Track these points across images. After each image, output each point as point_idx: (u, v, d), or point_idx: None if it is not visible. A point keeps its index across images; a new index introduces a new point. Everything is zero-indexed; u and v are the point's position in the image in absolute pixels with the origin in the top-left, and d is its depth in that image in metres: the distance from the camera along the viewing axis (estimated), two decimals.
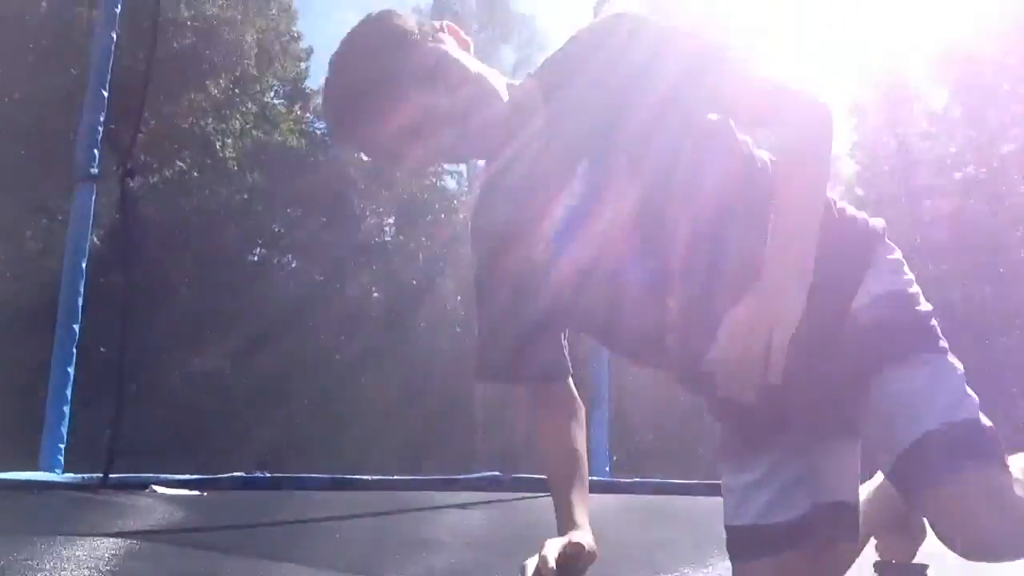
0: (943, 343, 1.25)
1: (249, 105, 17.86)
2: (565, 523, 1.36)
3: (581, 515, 1.37)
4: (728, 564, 1.36)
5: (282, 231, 17.50)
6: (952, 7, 15.85)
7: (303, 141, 18.58)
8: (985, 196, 15.50)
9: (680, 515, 2.88)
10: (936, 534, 1.18)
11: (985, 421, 1.18)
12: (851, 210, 1.34)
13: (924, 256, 13.54)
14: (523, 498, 3.08)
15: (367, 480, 3.23)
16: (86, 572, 1.40)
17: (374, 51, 1.26)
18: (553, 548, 1.25)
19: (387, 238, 18.64)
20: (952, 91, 16.62)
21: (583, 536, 1.31)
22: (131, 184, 3.97)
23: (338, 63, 1.29)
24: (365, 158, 1.38)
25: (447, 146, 1.26)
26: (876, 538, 1.71)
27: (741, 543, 1.35)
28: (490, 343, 1.42)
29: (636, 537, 2.27)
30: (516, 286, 1.33)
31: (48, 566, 1.42)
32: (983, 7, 14.69)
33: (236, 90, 17.21)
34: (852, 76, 17.99)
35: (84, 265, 3.77)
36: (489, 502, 2.87)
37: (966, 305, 13.31)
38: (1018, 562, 1.14)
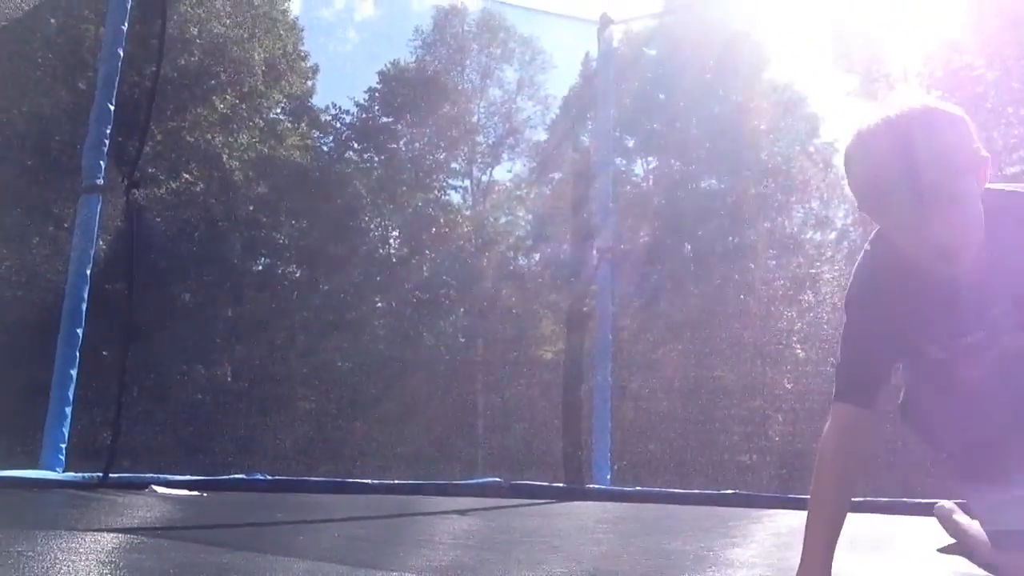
0: None
1: (256, 120, 17.97)
2: (811, 561, 1.58)
3: (828, 554, 1.58)
4: (727, 569, 1.36)
5: (287, 242, 17.56)
6: (957, 31, 15.91)
7: (309, 156, 18.69)
8: None
9: (681, 524, 2.88)
10: None
11: None
12: None
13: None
14: (523, 504, 3.08)
15: (369, 484, 3.23)
16: (87, 564, 1.40)
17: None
18: None
19: (392, 251, 18.68)
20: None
21: None
22: (136, 195, 4.01)
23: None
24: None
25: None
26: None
27: None
28: (850, 370, 1.72)
29: (638, 544, 2.26)
30: (889, 340, 1.71)
31: (49, 558, 1.42)
32: (987, 29, 14.75)
33: (243, 106, 17.32)
34: (857, 95, 18.01)
35: (89, 272, 3.81)
36: (490, 508, 2.87)
37: None
38: None
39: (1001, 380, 1.69)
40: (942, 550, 1.99)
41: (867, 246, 1.76)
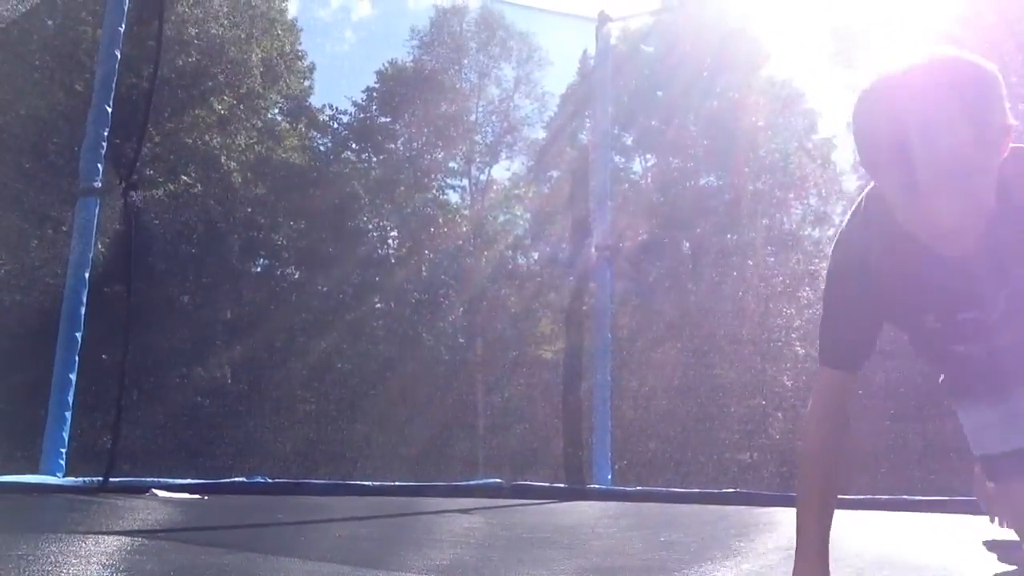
0: None
1: (253, 121, 17.96)
2: (805, 551, 1.55)
3: (823, 545, 1.54)
4: (728, 568, 1.36)
5: (285, 243, 17.55)
6: (954, 26, 15.91)
7: (306, 156, 18.68)
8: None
9: (682, 522, 2.88)
10: None
11: None
12: None
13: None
14: (524, 504, 3.08)
15: (370, 486, 3.23)
16: (88, 568, 1.40)
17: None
18: None
19: (391, 251, 18.67)
20: None
21: None
22: (134, 197, 4.01)
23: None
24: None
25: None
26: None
27: (1013, 465, 1.71)
28: (837, 336, 1.63)
29: (639, 543, 2.26)
30: (877, 312, 1.62)
31: (50, 562, 1.42)
32: (985, 26, 14.76)
33: (241, 107, 17.31)
34: (855, 91, 18.02)
35: (87, 275, 3.80)
36: (491, 508, 2.87)
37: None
38: None
39: (988, 362, 1.65)
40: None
41: (861, 203, 1.60)
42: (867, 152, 1.42)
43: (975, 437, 1.81)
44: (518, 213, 20.55)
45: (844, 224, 1.63)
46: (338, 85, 21.93)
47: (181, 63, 15.82)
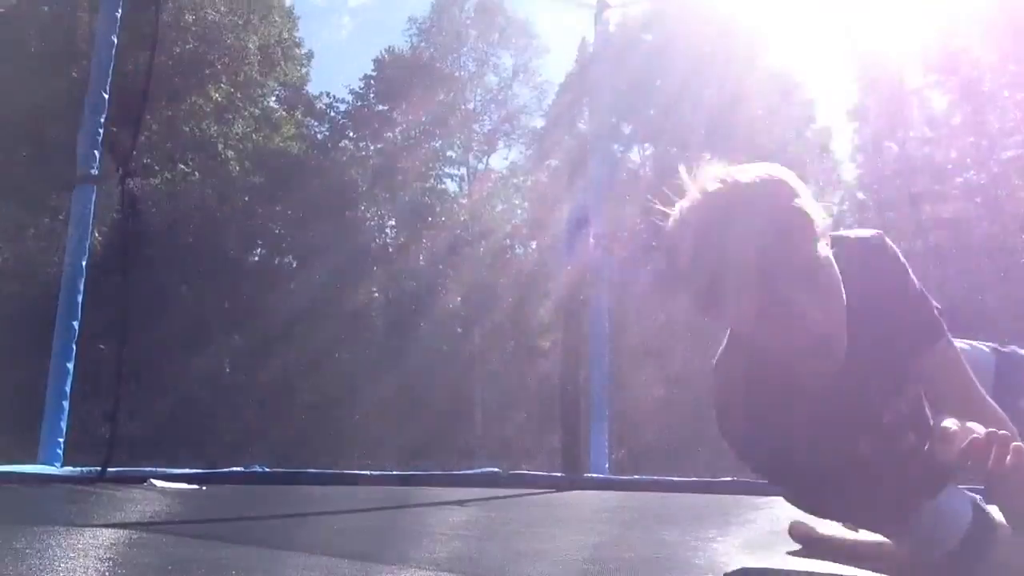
0: None
1: (251, 110, 17.90)
2: None
3: None
4: (724, 561, 1.36)
5: (283, 233, 17.52)
6: (953, 14, 15.86)
7: (304, 145, 18.61)
8: (988, 200, 15.51)
9: (679, 511, 2.88)
10: None
11: None
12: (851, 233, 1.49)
13: (926, 260, 13.53)
14: (521, 494, 3.08)
15: (367, 475, 3.24)
16: (86, 561, 1.39)
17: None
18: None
19: (388, 240, 18.65)
20: (952, 98, 16.64)
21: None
22: (131, 185, 3.99)
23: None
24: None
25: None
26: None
27: None
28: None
29: (638, 531, 2.26)
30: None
31: (48, 555, 1.42)
32: (984, 14, 14.70)
33: (238, 94, 17.25)
34: (853, 80, 18.00)
35: (84, 264, 3.79)
36: (488, 498, 2.87)
37: (970, 309, 13.30)
38: None
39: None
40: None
41: (722, 356, 1.47)
42: (713, 286, 1.32)
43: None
44: (516, 202, 20.53)
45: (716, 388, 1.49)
46: (336, 73, 21.81)
47: (178, 50, 15.75)
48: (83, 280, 3.72)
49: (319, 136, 19.79)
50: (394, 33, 20.19)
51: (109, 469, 2.70)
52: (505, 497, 2.99)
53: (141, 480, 2.67)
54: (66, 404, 3.36)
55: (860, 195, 17.35)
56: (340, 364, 15.41)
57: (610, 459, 4.61)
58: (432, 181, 19.45)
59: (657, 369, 12.99)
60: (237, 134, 17.14)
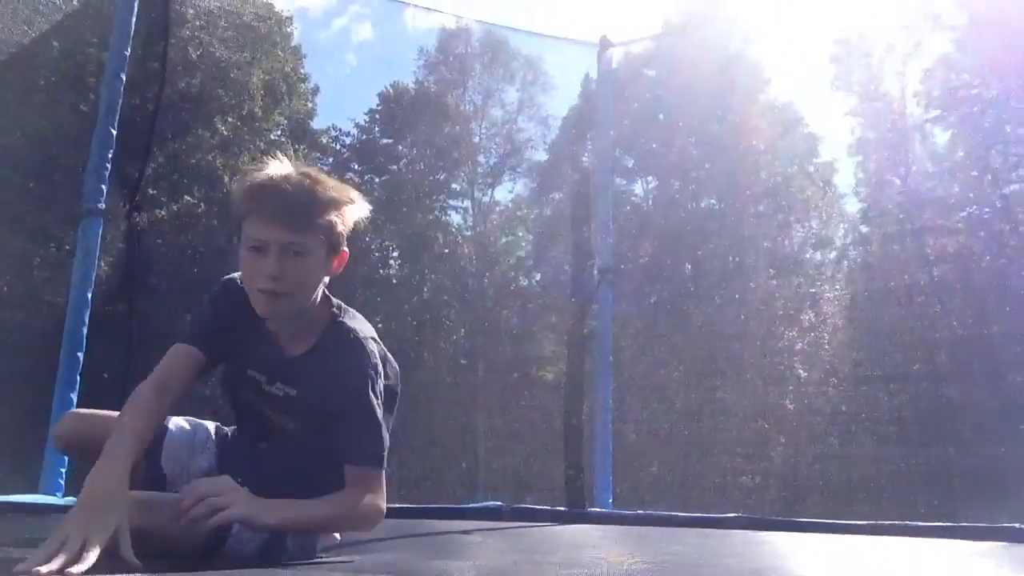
0: None
1: (257, 143, 18.05)
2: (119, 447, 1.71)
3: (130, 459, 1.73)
4: None
5: None
6: (955, 48, 16.03)
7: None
8: (992, 235, 15.53)
9: (683, 546, 2.86)
10: None
11: None
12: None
13: (930, 294, 13.53)
14: (525, 527, 3.07)
15: None
16: None
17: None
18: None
19: (392, 271, 18.68)
20: (955, 132, 16.74)
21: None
22: (137, 218, 4.02)
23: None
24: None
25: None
26: None
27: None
28: (204, 330, 2.02)
29: (641, 567, 2.25)
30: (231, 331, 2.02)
31: None
32: (986, 49, 14.85)
33: (244, 128, 17.41)
34: (855, 114, 18.12)
35: (90, 295, 3.81)
36: (491, 530, 2.85)
37: (974, 343, 13.27)
38: None
39: (270, 452, 1.95)
40: None
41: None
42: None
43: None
44: (520, 235, 20.59)
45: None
46: (341, 107, 22.01)
47: (185, 85, 15.91)
48: (88, 311, 3.74)
49: (324, 169, 19.90)
50: (398, 68, 20.38)
51: None
52: (508, 529, 2.97)
53: None
54: None
55: (863, 229, 17.39)
56: None
57: (613, 493, 4.59)
58: (436, 213, 19.52)
59: (661, 402, 12.94)
60: (243, 165, 17.28)
